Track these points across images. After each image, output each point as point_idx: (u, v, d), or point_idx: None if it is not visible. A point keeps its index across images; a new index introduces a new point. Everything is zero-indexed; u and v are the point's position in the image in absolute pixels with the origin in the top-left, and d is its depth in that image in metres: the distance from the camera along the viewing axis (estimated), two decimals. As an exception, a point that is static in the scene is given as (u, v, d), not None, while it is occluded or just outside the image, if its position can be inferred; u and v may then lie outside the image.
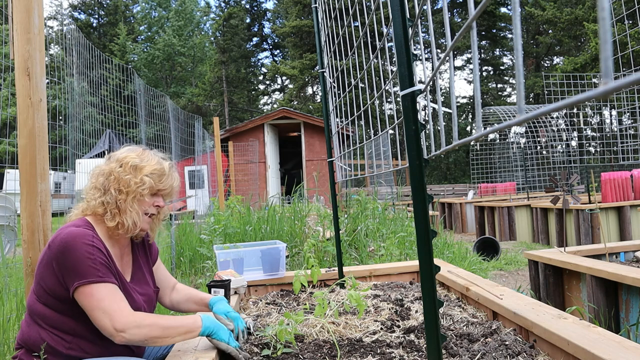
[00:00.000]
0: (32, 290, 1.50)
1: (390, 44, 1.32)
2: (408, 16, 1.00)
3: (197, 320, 1.47)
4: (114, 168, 1.54)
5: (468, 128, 29.57)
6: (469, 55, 30.30)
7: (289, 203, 6.00)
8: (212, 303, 1.75)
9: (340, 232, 4.18)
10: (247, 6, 34.58)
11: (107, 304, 1.36)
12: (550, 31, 24.96)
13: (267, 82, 36.68)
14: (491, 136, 13.35)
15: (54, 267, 1.40)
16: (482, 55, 29.30)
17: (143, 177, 1.53)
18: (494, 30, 28.81)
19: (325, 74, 2.49)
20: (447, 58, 0.78)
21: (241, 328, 1.66)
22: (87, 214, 1.55)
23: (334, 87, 2.44)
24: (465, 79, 32.91)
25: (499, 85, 31.41)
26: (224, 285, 2.00)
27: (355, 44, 1.83)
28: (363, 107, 1.66)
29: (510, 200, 9.30)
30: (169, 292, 1.83)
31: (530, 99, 26.94)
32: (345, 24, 1.87)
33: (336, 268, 2.68)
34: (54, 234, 1.47)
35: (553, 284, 3.02)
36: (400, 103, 1.01)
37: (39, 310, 1.46)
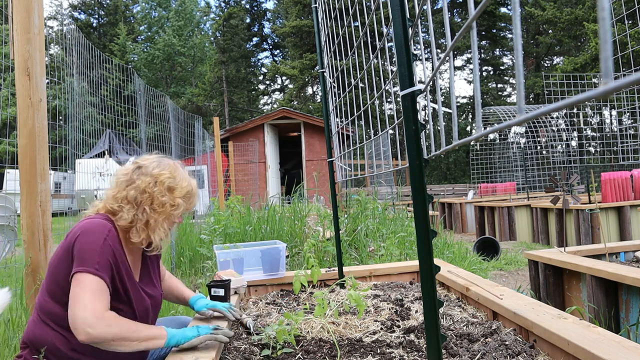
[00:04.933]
0: (44, 288, 1.49)
1: (390, 44, 1.32)
2: (408, 16, 1.00)
3: (162, 331, 1.44)
4: (149, 185, 1.53)
5: (468, 128, 29.56)
6: (469, 55, 30.30)
7: (289, 203, 6.00)
8: (193, 302, 1.82)
9: (340, 232, 4.18)
10: (247, 6, 34.57)
11: (88, 297, 1.32)
12: (550, 31, 24.95)
13: (267, 82, 36.67)
14: (491, 136, 13.35)
15: (70, 255, 1.40)
16: (482, 55, 29.30)
17: (177, 200, 1.55)
18: (494, 30, 28.80)
19: (325, 74, 2.49)
20: (447, 58, 0.78)
21: (225, 307, 1.77)
22: (109, 217, 1.53)
23: (334, 87, 2.44)
24: (465, 79, 32.92)
25: (499, 85, 31.40)
26: (224, 285, 2.00)
27: (355, 44, 1.83)
28: (363, 107, 1.66)
29: (510, 200, 9.30)
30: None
31: (530, 99, 26.94)
32: (345, 24, 1.87)
33: (336, 268, 2.68)
34: (72, 228, 1.47)
35: (553, 284, 3.02)
36: (400, 103, 1.01)
37: (48, 308, 1.45)
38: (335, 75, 2.37)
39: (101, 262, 1.38)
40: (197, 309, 1.82)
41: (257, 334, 1.78)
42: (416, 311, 2.03)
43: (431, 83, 0.98)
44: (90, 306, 1.30)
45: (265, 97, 37.16)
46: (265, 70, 35.42)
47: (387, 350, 1.58)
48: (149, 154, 1.66)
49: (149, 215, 1.51)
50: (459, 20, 28.81)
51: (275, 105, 35.06)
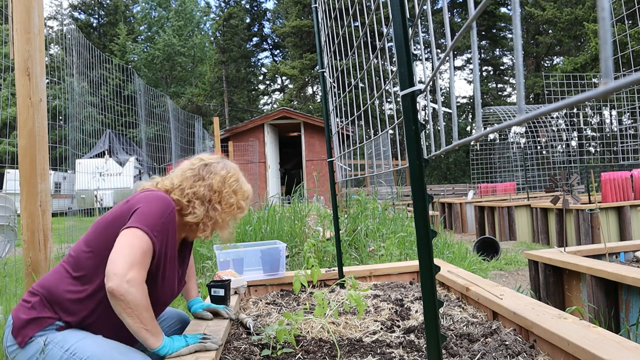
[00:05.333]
0: (83, 241, 1.50)
1: (390, 44, 1.32)
2: (408, 16, 1.00)
3: (161, 336, 1.43)
4: (220, 186, 1.59)
5: (468, 128, 29.56)
6: (469, 55, 30.29)
7: (289, 203, 6.00)
8: (190, 305, 1.86)
9: (340, 232, 4.18)
10: (247, 6, 34.55)
11: (139, 256, 1.35)
12: (550, 31, 24.94)
13: (267, 82, 36.66)
14: (491, 136, 13.35)
15: (125, 215, 1.43)
16: (482, 55, 29.29)
17: (240, 202, 1.64)
18: (494, 30, 28.80)
19: (325, 74, 2.49)
20: (447, 58, 0.78)
21: (220, 308, 1.82)
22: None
23: (334, 87, 2.44)
24: (465, 79, 32.91)
25: (499, 85, 31.40)
26: (224, 285, 2.00)
27: (355, 44, 1.82)
28: (363, 107, 1.66)
29: (510, 200, 9.30)
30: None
31: (530, 99, 26.93)
32: (345, 24, 1.87)
33: (336, 268, 2.68)
34: (135, 193, 1.52)
35: (553, 284, 3.02)
36: (400, 103, 1.01)
37: (82, 259, 1.46)
38: (335, 75, 2.37)
39: (161, 231, 1.43)
40: (192, 312, 1.85)
41: (257, 334, 1.78)
42: (416, 311, 2.03)
43: (431, 83, 0.98)
44: (136, 267, 1.33)
45: (265, 97, 37.17)
46: (265, 70, 35.41)
47: (387, 350, 1.58)
48: (209, 154, 1.72)
49: (219, 214, 1.58)
50: (459, 20, 28.80)
51: (275, 105, 35.06)
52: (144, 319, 1.36)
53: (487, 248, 6.21)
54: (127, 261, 1.32)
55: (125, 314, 1.33)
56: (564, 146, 12.93)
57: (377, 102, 1.59)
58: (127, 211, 1.46)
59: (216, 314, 1.86)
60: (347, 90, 2.03)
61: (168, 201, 1.49)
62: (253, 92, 35.64)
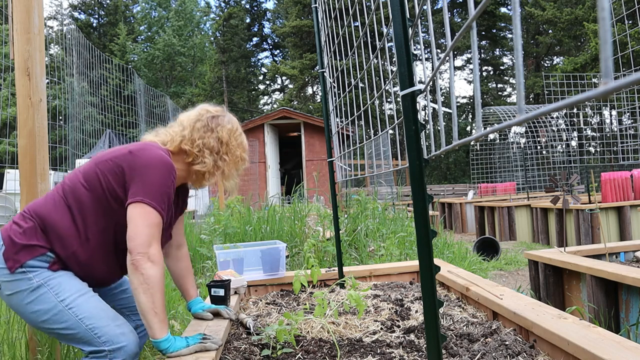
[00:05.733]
0: (81, 174, 1.53)
1: (390, 44, 1.32)
2: (408, 16, 1.00)
3: (166, 329, 1.46)
4: (228, 139, 1.68)
5: (468, 128, 29.55)
6: (469, 55, 30.29)
7: (289, 203, 6.00)
8: (190, 306, 1.87)
9: (340, 232, 4.18)
10: (247, 6, 34.53)
11: (156, 232, 1.44)
12: (550, 31, 24.94)
13: (267, 82, 36.64)
14: (491, 136, 13.35)
15: (126, 170, 1.48)
16: (482, 55, 29.28)
17: (243, 155, 1.75)
18: (494, 30, 28.79)
19: (325, 74, 2.49)
20: (447, 58, 0.78)
21: (221, 308, 1.86)
22: (170, 150, 1.63)
23: (334, 87, 2.44)
24: (465, 79, 32.90)
25: (499, 85, 31.39)
26: (224, 285, 2.00)
27: (355, 44, 1.82)
28: (363, 107, 1.66)
29: (510, 200, 9.30)
30: (174, 248, 1.87)
31: (530, 99, 26.93)
32: (345, 24, 1.87)
33: (336, 268, 2.68)
34: (139, 145, 1.55)
35: (553, 284, 3.02)
36: (400, 103, 1.01)
37: (80, 193, 1.50)
38: (335, 75, 2.37)
39: (166, 200, 1.49)
40: (193, 312, 1.86)
41: (257, 334, 1.78)
42: (416, 311, 2.03)
43: (431, 83, 0.98)
44: (155, 241, 1.43)
45: (265, 97, 37.14)
46: (265, 70, 35.39)
47: (387, 350, 1.58)
48: (211, 105, 1.77)
49: (227, 164, 1.68)
50: (459, 20, 28.80)
51: (275, 105, 35.04)
52: (156, 301, 1.41)
53: (487, 248, 6.21)
54: (147, 239, 1.41)
55: (141, 289, 1.39)
56: (564, 146, 12.93)
57: (377, 102, 1.59)
58: (129, 166, 1.49)
59: (217, 315, 1.87)
60: (347, 90, 2.03)
61: (170, 166, 1.52)
62: (253, 92, 35.62)
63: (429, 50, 20.15)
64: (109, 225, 1.51)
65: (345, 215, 4.88)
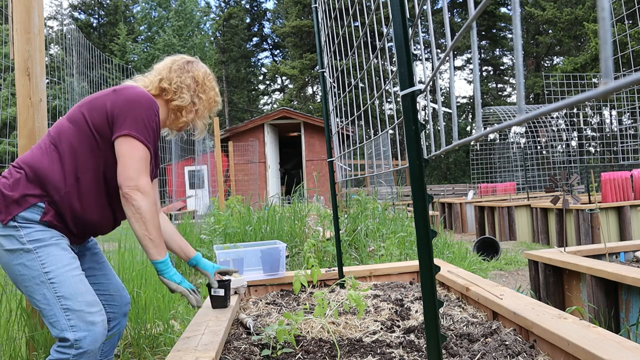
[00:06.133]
0: (66, 118, 1.58)
1: (390, 44, 1.32)
2: (408, 16, 1.00)
3: (164, 252, 1.58)
4: (203, 80, 1.78)
5: (468, 128, 29.55)
6: (469, 55, 30.29)
7: (289, 203, 6.00)
8: (195, 263, 1.90)
9: (340, 232, 4.18)
10: (247, 6, 34.55)
11: (144, 165, 1.52)
12: (550, 31, 24.94)
13: (267, 82, 36.65)
14: (491, 136, 13.35)
15: (110, 107, 1.53)
16: (482, 55, 29.28)
17: (216, 98, 1.84)
18: (494, 30, 28.79)
19: (325, 74, 2.49)
20: (447, 58, 0.78)
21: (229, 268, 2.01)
22: (152, 92, 1.71)
23: (334, 87, 2.44)
24: (465, 79, 32.90)
25: (499, 85, 31.39)
26: (224, 285, 2.00)
27: (355, 44, 1.82)
28: (363, 107, 1.66)
29: (510, 200, 9.29)
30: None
31: (530, 99, 26.93)
32: (345, 24, 1.87)
33: (336, 268, 2.68)
34: (121, 85, 1.62)
35: (553, 284, 3.02)
36: (400, 103, 1.01)
37: (66, 135, 1.53)
38: (335, 75, 2.37)
39: (152, 134, 1.56)
40: (205, 268, 1.91)
41: (257, 334, 1.78)
42: (416, 311, 2.03)
43: (431, 83, 0.98)
44: (144, 174, 1.51)
45: (265, 97, 37.16)
46: (265, 70, 35.40)
47: (387, 350, 1.58)
48: (181, 55, 1.86)
49: (202, 103, 1.77)
50: (459, 20, 28.80)
51: (275, 105, 35.04)
52: (149, 227, 1.50)
53: (487, 248, 6.21)
54: (136, 172, 1.49)
55: (134, 219, 1.49)
56: (564, 146, 12.92)
57: (377, 102, 1.59)
58: (113, 103, 1.53)
59: (224, 274, 2.04)
60: (347, 90, 2.03)
61: (153, 101, 1.59)
62: (253, 92, 35.63)
63: (429, 50, 20.15)
64: (98, 163, 1.55)
65: (345, 215, 4.88)
